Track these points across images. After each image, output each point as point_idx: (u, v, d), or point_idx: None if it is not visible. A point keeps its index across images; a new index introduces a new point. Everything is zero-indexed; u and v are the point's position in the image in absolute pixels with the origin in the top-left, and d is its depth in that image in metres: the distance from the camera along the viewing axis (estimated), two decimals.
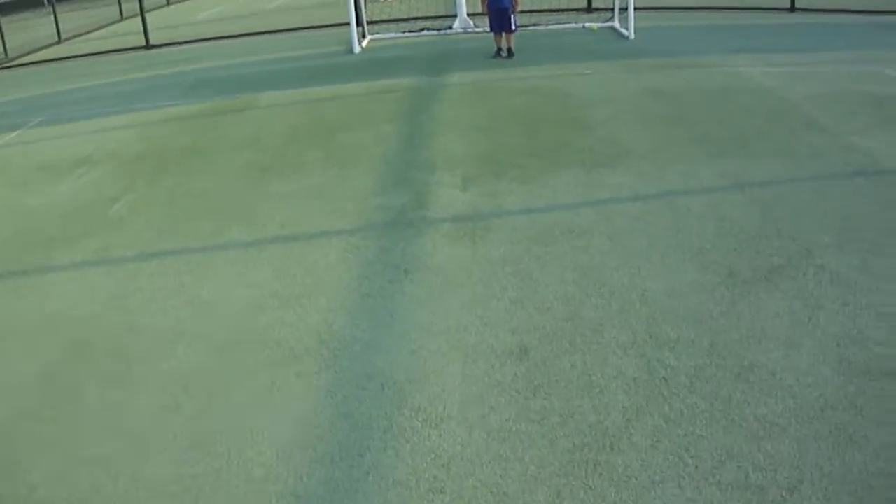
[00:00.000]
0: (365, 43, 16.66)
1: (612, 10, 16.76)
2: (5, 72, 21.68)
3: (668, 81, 11.54)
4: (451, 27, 17.01)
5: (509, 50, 14.23)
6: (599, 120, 9.75)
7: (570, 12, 18.34)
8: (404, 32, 17.31)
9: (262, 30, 20.68)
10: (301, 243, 6.96)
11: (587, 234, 6.49)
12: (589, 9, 18.86)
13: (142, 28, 21.40)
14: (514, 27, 14.24)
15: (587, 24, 16.62)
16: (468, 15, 17.05)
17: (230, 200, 8.17)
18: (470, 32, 16.60)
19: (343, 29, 16.39)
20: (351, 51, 15.84)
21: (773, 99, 10.28)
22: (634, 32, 15.11)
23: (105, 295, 6.44)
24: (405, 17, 18.96)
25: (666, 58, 13.25)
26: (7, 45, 23.75)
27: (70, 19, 31.71)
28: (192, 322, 5.80)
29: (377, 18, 18.35)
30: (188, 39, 20.66)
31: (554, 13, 17.99)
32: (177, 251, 7.12)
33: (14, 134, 12.69)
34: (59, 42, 25.79)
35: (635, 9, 15.26)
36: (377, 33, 17.34)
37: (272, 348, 5.30)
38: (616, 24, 16.32)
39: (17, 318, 6.31)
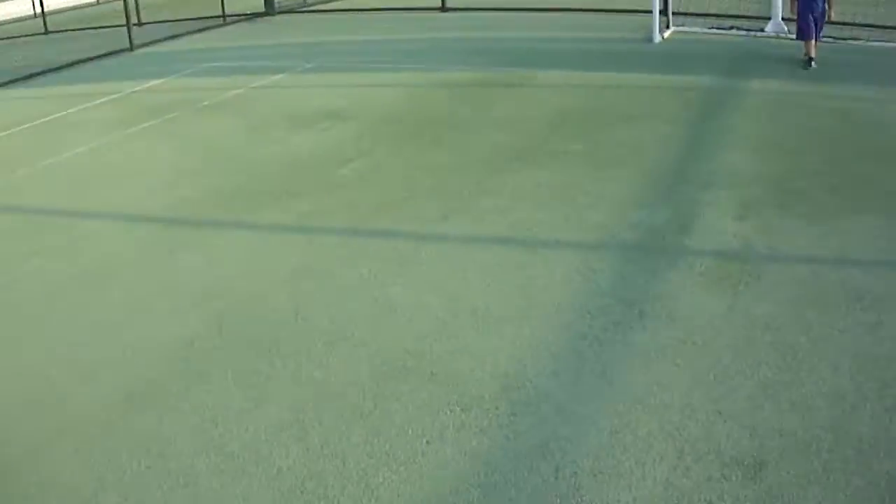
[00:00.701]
0: (667, 34, 15.35)
1: None
2: (302, 15, 22.06)
3: None
4: (762, 30, 15.59)
5: (812, 58, 12.63)
6: None
7: (893, 30, 16.62)
8: (711, 28, 15.93)
9: (562, 6, 19.91)
10: (526, 251, 5.89)
11: (880, 306, 4.97)
12: None
13: None
14: (821, 33, 12.75)
15: None
16: (783, 19, 15.64)
17: (467, 185, 7.22)
18: (783, 37, 15.10)
19: (648, 17, 15.21)
20: (650, 39, 14.55)
21: None
22: None
23: (288, 269, 5.83)
24: (715, 12, 17.66)
25: None
26: None
27: None
28: (365, 326, 4.98)
29: (684, 10, 17.14)
30: (484, 7, 20.02)
31: (876, 29, 16.41)
32: (387, 233, 6.33)
33: (278, 77, 12.63)
34: None
35: None
36: (682, 25, 16.02)
37: (440, 384, 4.36)
38: None
39: (186, 275, 5.88)
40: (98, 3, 38.82)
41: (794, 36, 13.45)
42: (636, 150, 8.08)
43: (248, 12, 22.05)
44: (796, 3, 12.54)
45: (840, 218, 6.42)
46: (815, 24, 12.42)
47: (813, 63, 12.43)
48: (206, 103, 11.25)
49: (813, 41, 12.49)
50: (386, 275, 5.60)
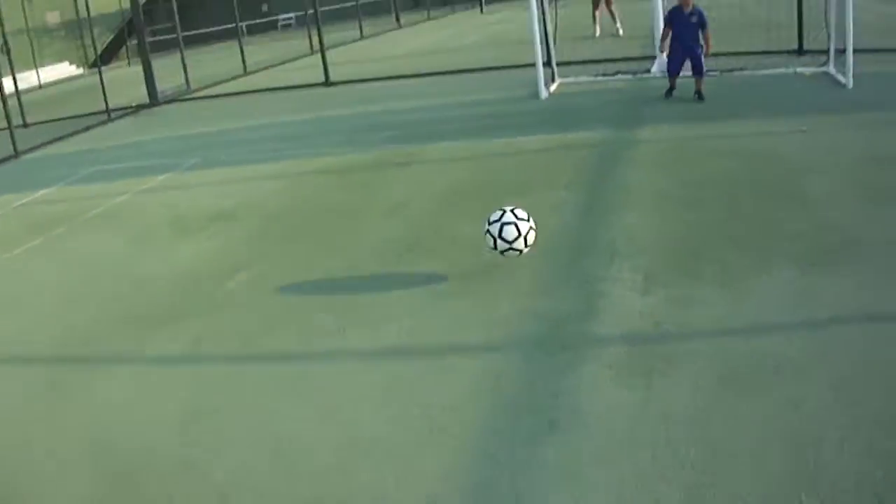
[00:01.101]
0: (553, 87, 15.30)
1: (828, 52, 14.94)
2: (185, 104, 21.97)
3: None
4: (648, 70, 15.59)
5: (699, 93, 12.95)
6: (816, 195, 7.98)
7: (780, 55, 16.70)
8: (596, 76, 15.89)
9: (449, 69, 19.91)
10: (427, 362, 5.54)
11: (801, 377, 4.69)
12: (800, 51, 17.04)
13: (326, 61, 21.28)
14: (703, 70, 13.00)
15: (799, 69, 14.90)
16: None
17: (361, 288, 6.90)
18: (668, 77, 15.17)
19: (532, 70, 15.08)
20: (537, 95, 14.47)
21: None
22: (853, 79, 13.18)
23: (176, 412, 5.39)
24: (599, 58, 17.65)
25: (892, 112, 11.41)
26: (191, 77, 24.25)
27: (264, 51, 32.36)
28: (259, 473, 4.58)
29: (567, 59, 17.09)
30: (368, 77, 20.05)
31: (760, 55, 16.49)
32: (279, 356, 5.96)
33: (164, 177, 12.38)
34: (244, 74, 26.42)
35: (856, 50, 13.50)
36: (567, 76, 15.96)
37: None
38: (832, 69, 14.42)
39: (73, 429, 5.39)
40: None
41: (696, 73, 13.52)
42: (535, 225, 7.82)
43: (133, 105, 21.96)
44: (667, 41, 12.91)
45: (750, 276, 6.24)
46: (694, 63, 12.84)
47: (673, 93, 13.08)
48: (93, 213, 10.88)
49: (676, 77, 13.04)
50: (280, 407, 5.23)
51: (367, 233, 8.32)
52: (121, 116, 21.09)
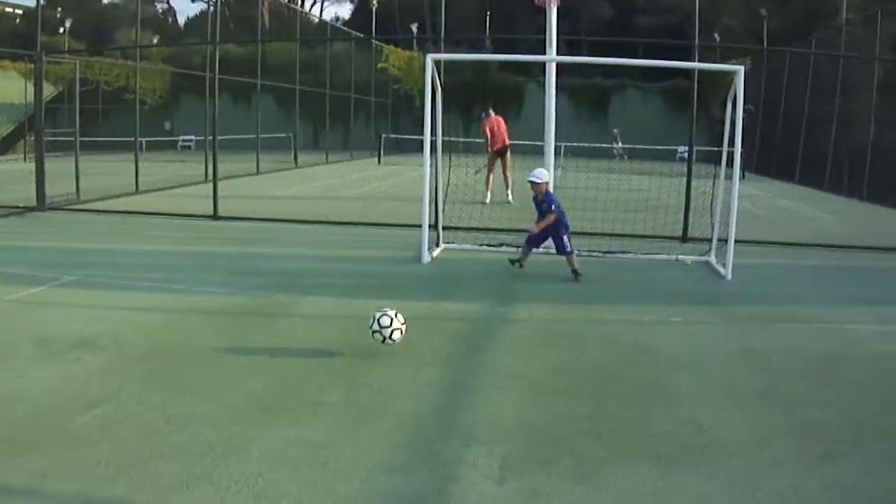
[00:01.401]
0: (437, 252, 15.47)
1: (710, 241, 15.35)
2: (69, 214, 21.64)
3: (766, 341, 10.04)
4: None
5: (575, 271, 13.44)
6: (683, 391, 8.09)
7: (664, 240, 17.07)
8: (481, 245, 16.09)
9: (336, 219, 19.98)
10: None
11: None
12: (684, 238, 17.58)
13: (217, 195, 21.21)
14: (569, 249, 13.59)
15: (681, 257, 15.28)
16: None
17: (212, 443, 6.62)
18: (552, 254, 15.32)
19: (418, 232, 15.13)
20: (419, 259, 14.54)
21: (892, 372, 8.89)
22: (732, 271, 13.65)
23: None
24: (486, 227, 17.83)
25: (765, 306, 11.87)
26: (82, 187, 23.92)
27: (161, 170, 32.13)
28: None
29: (455, 224, 17.24)
30: (256, 216, 20.06)
31: (646, 239, 16.84)
32: (123, 502, 5.67)
33: (37, 290, 12.03)
34: (135, 192, 26.32)
35: (737, 241, 13.93)
36: (452, 242, 16.12)
37: None
38: (713, 258, 14.93)
39: None
40: None
41: (559, 252, 13.81)
42: (396, 399, 7.74)
43: (19, 205, 21.60)
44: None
45: (608, 471, 6.20)
46: (556, 244, 13.58)
47: (521, 265, 13.74)
48: None
49: (529, 251, 13.76)
50: None
51: (232, 386, 8.08)
52: (5, 215, 20.72)
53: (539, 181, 13.60)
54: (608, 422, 7.25)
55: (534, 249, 13.93)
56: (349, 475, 6.10)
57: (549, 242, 13.85)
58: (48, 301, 11.57)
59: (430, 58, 15.03)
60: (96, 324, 10.18)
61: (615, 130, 58.14)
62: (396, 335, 8.74)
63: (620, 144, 55.06)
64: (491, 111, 26.20)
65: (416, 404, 7.67)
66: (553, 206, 13.52)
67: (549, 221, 13.46)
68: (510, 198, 24.73)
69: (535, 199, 13.87)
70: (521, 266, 13.85)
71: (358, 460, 6.35)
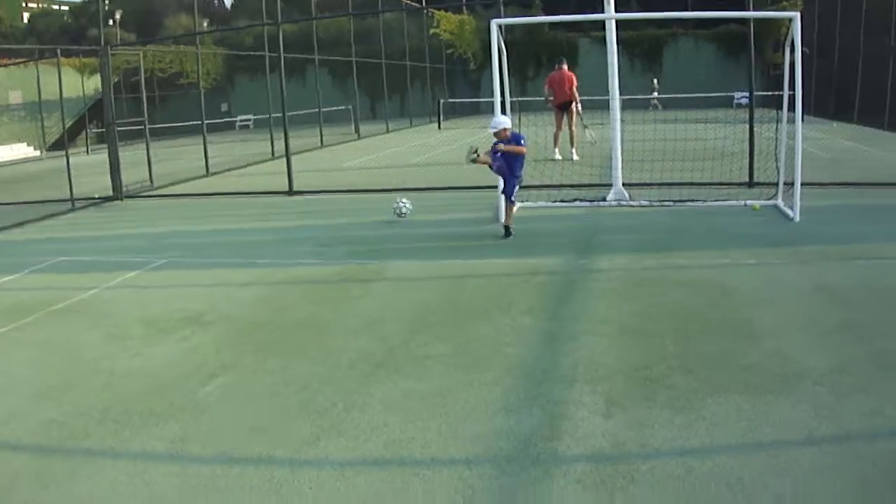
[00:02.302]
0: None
1: (777, 185, 15.59)
2: (146, 201, 22.31)
3: (840, 277, 10.35)
4: (604, 199, 16.12)
5: (507, 228, 13.56)
6: (765, 326, 8.47)
7: (731, 187, 17.32)
8: (555, 202, 16.44)
9: (407, 186, 20.33)
10: (404, 474, 5.77)
11: (752, 497, 5.14)
12: (751, 183, 17.74)
13: (291, 170, 21.57)
14: (513, 198, 13.63)
15: (749, 202, 15.50)
16: (624, 185, 16.20)
17: (333, 400, 7.13)
18: (625, 205, 15.67)
19: (492, 193, 15.49)
20: (497, 218, 14.79)
21: None
22: (801, 213, 13.90)
23: None
24: (557, 183, 18.14)
25: (836, 245, 12.13)
26: (154, 173, 24.57)
27: (225, 151, 32.53)
28: None
29: (527, 184, 17.56)
30: (330, 189, 20.39)
31: (713, 187, 17.08)
32: (261, 459, 6.12)
33: (132, 274, 12.51)
34: (206, 175, 26.66)
35: (803, 184, 14.15)
36: (527, 200, 16.46)
37: None
38: (780, 202, 15.12)
39: None
40: None
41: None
42: (499, 348, 8.19)
43: (97, 196, 22.27)
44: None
45: (703, 401, 6.63)
46: (510, 182, 13.35)
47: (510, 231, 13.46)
48: (62, 305, 11.02)
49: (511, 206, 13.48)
50: None
51: (340, 347, 8.53)
52: (84, 207, 21.34)
53: (498, 128, 13.53)
54: (697, 358, 7.66)
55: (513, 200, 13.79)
56: (467, 418, 6.59)
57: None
58: (145, 284, 12.09)
59: (494, 23, 15.31)
60: (197, 301, 10.71)
61: (654, 80, 57.87)
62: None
63: (657, 94, 54.77)
64: (560, 65, 25.89)
65: (518, 352, 8.13)
66: (521, 141, 13.58)
67: (521, 150, 13.45)
68: (574, 154, 24.65)
69: (495, 144, 13.60)
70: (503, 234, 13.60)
71: (473, 405, 6.84)
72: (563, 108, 25.41)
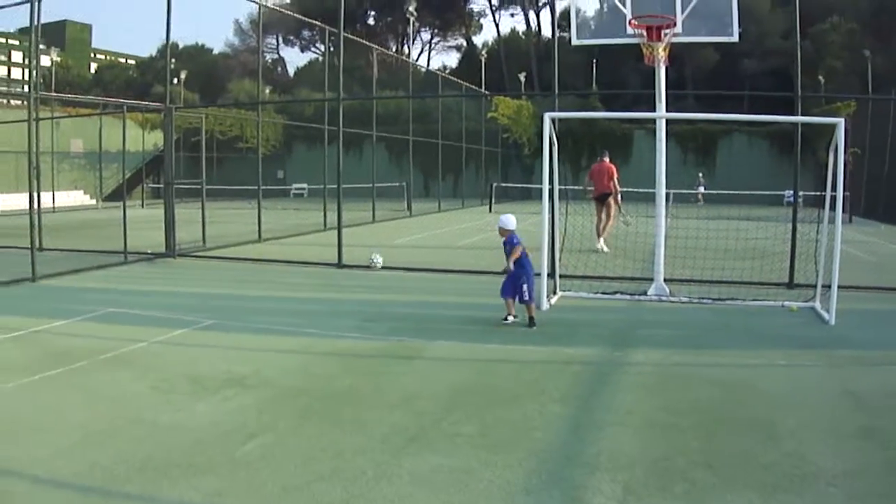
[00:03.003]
0: (554, 300, 16.11)
1: (815, 287, 15.80)
2: (198, 260, 22.89)
3: (868, 382, 10.56)
4: (645, 293, 16.40)
5: (531, 319, 13.91)
6: (788, 428, 8.69)
7: (771, 287, 17.54)
8: (596, 293, 16.72)
9: (454, 268, 20.63)
10: None
11: None
12: (790, 284, 17.93)
13: (341, 243, 21.97)
14: (527, 298, 14.01)
15: (786, 303, 15.73)
16: (665, 280, 16.48)
17: (364, 469, 7.43)
18: (664, 301, 15.94)
19: (534, 279, 15.78)
20: (538, 306, 14.97)
21: None
22: (837, 316, 14.06)
23: None
24: (599, 275, 18.41)
25: (867, 350, 12.32)
26: (207, 233, 25.26)
27: (278, 218, 33.00)
28: None
29: (571, 272, 17.83)
30: (361, 263, 20.79)
31: (753, 286, 17.31)
32: None
33: (180, 332, 12.93)
34: (258, 240, 27.19)
35: (841, 287, 14.36)
36: (569, 290, 16.78)
37: None
38: (818, 304, 15.34)
39: None
40: None
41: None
42: (525, 433, 8.47)
43: (149, 251, 22.83)
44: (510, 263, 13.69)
45: (719, 496, 6.89)
46: (521, 289, 13.70)
47: (509, 318, 13.91)
48: (110, 355, 11.46)
49: (512, 301, 13.83)
50: None
51: (375, 420, 8.82)
52: (137, 261, 21.97)
53: (500, 227, 14.37)
54: (718, 454, 7.90)
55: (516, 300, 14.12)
56: (489, 496, 6.88)
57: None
58: (193, 343, 12.52)
59: (547, 117, 15.70)
60: (242, 364, 11.10)
61: (700, 175, 58.11)
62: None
63: (703, 189, 54.99)
64: (602, 157, 25.97)
65: (544, 437, 8.41)
66: (515, 241, 14.07)
67: (512, 255, 13.92)
68: (602, 246, 24.66)
69: (503, 242, 14.32)
70: (514, 318, 14.05)
71: (496, 484, 7.13)
72: (601, 199, 25.54)
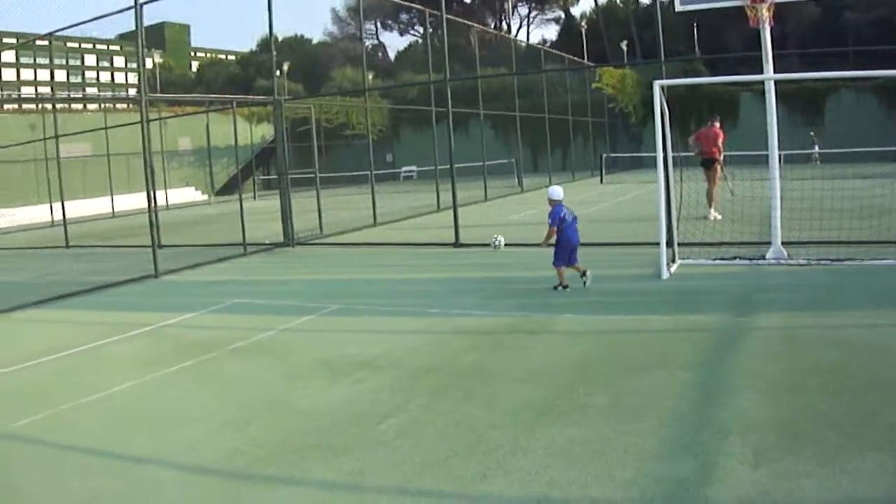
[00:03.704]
0: (674, 268, 16.08)
1: None
2: (316, 248, 23.39)
3: None
4: (763, 256, 16.31)
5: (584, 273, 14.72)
6: None
7: (890, 245, 17.23)
8: (715, 260, 16.66)
9: None
10: None
11: None
12: None
13: (458, 223, 22.19)
14: (575, 261, 14.96)
15: None
16: (783, 244, 16.37)
17: (499, 442, 7.63)
18: (783, 264, 15.83)
19: (653, 249, 15.86)
20: (658, 275, 15.19)
21: None
22: None
23: None
24: (717, 241, 18.33)
25: None
26: (324, 221, 25.63)
27: (391, 202, 33.30)
28: None
29: (690, 239, 17.78)
30: (483, 241, 20.89)
31: (872, 245, 17.07)
32: (432, 493, 6.70)
33: (306, 318, 13.24)
34: (374, 225, 27.56)
35: None
36: (687, 258, 16.76)
37: None
38: None
39: None
40: (114, 216, 40.82)
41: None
42: (655, 400, 8.56)
43: (267, 242, 23.45)
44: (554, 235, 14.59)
45: (847, 457, 6.90)
46: (570, 256, 14.81)
47: (560, 287, 14.64)
48: (239, 344, 11.86)
49: (564, 269, 14.48)
50: None
51: (506, 394, 9.01)
52: (256, 252, 22.47)
53: (549, 197, 15.21)
54: (845, 415, 7.89)
55: (568, 265, 14.91)
56: (624, 464, 7.01)
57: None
58: (320, 328, 12.86)
59: (657, 85, 15.67)
60: (371, 346, 11.36)
61: (812, 133, 57.06)
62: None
63: (818, 149, 53.97)
64: (712, 122, 25.59)
65: (674, 404, 8.51)
66: (549, 221, 14.91)
67: (547, 235, 14.97)
68: (711, 214, 24.28)
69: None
70: (564, 287, 14.73)
71: (629, 452, 7.26)
72: (706, 164, 25.10)
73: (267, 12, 24.20)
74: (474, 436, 7.85)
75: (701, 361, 10.09)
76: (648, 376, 9.41)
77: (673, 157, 17.06)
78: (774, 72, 16.69)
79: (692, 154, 24.93)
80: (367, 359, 10.69)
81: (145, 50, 22.01)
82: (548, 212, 14.92)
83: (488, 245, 20.48)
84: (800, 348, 10.33)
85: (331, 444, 7.81)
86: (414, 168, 64.35)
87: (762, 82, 17.24)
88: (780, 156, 16.76)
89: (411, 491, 6.74)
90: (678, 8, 16.77)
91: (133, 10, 21.24)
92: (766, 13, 15.93)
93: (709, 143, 24.99)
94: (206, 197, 59.40)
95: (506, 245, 20.38)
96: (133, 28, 22.16)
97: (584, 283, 14.57)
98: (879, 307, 12.26)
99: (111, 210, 45.05)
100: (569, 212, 15.06)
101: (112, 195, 45.91)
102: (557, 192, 15.15)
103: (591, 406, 8.52)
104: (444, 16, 25.09)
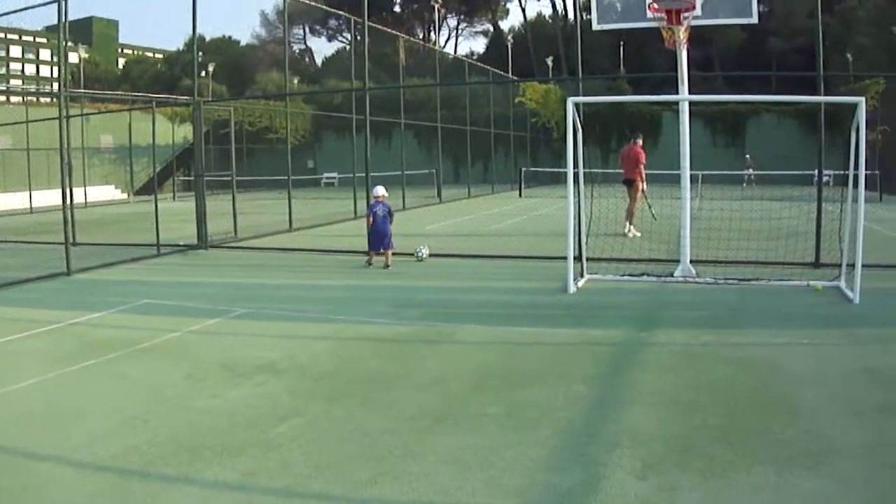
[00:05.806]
0: (581, 283, 16.25)
1: (840, 267, 15.86)
2: (230, 251, 23.28)
3: (887, 360, 10.63)
4: (672, 274, 16.56)
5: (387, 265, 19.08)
6: (806, 405, 8.86)
7: (797, 267, 17.61)
8: (623, 276, 16.84)
9: (483, 253, 20.88)
10: None
11: None
12: (816, 264, 17.98)
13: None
14: (392, 245, 19.49)
15: (811, 283, 15.83)
16: (692, 262, 16.63)
17: (394, 448, 7.69)
18: (690, 282, 16.10)
19: (563, 263, 15.95)
20: (565, 289, 15.35)
21: None
22: (863, 295, 14.13)
23: None
24: (626, 257, 18.58)
25: (889, 328, 12.40)
26: (238, 224, 25.68)
27: (309, 208, 33.27)
28: None
29: (598, 255, 18.01)
30: (407, 252, 20.85)
31: (779, 266, 17.40)
32: (321, 496, 6.74)
33: (213, 321, 13.21)
34: (289, 230, 27.47)
35: (866, 266, 14.51)
36: (596, 273, 16.96)
37: None
38: (842, 283, 15.37)
39: None
40: (31, 211, 40.33)
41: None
42: (550, 412, 8.67)
43: (181, 243, 23.27)
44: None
45: (733, 471, 7.06)
46: (380, 242, 19.38)
47: (367, 265, 19.28)
48: (145, 345, 11.78)
49: (377, 253, 19.49)
50: None
51: (404, 402, 9.07)
52: (170, 253, 22.34)
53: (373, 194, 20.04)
54: (737, 430, 8.08)
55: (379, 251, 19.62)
56: (513, 472, 7.11)
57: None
58: (226, 331, 12.81)
59: (570, 101, 15.86)
60: (274, 350, 11.38)
61: (747, 156, 57.78)
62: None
63: (752, 171, 54.59)
64: (634, 139, 25.99)
65: (568, 416, 8.62)
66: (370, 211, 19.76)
67: (367, 223, 19.79)
68: (628, 230, 24.46)
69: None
70: (369, 265, 19.45)
71: (519, 461, 7.36)
72: (628, 183, 25.45)
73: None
74: (368, 441, 7.90)
75: (599, 375, 10.26)
76: (545, 388, 9.52)
77: (587, 174, 17.25)
78: (699, 93, 17.01)
79: (612, 171, 25.16)
80: (270, 362, 10.72)
81: (70, 44, 21.78)
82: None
83: (403, 255, 20.53)
84: (697, 365, 10.52)
85: (226, 444, 7.82)
86: (335, 174, 64.20)
87: (681, 114, 17.41)
88: (699, 176, 17.07)
89: (300, 493, 6.78)
90: (594, 27, 17.04)
91: (56, 3, 21.00)
92: (682, 35, 16.15)
93: (630, 165, 25.35)
94: (125, 196, 58.82)
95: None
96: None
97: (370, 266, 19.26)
98: (780, 327, 12.53)
99: (29, 206, 44.40)
100: (382, 206, 19.42)
101: (31, 190, 45.26)
102: (378, 190, 19.97)
103: (486, 415, 8.60)
104: (367, 24, 25.09)
